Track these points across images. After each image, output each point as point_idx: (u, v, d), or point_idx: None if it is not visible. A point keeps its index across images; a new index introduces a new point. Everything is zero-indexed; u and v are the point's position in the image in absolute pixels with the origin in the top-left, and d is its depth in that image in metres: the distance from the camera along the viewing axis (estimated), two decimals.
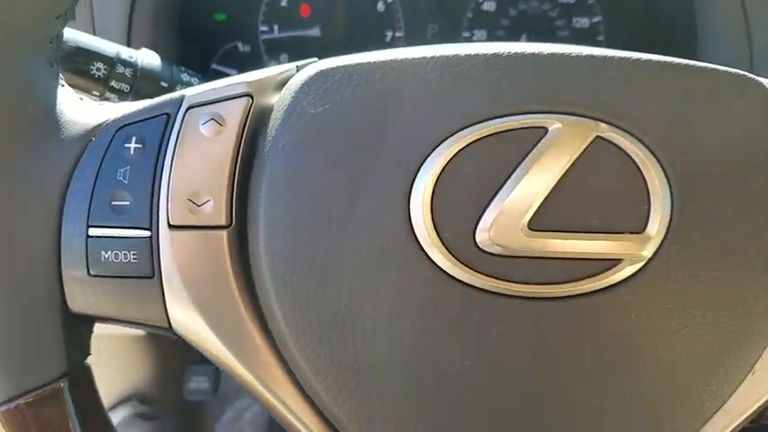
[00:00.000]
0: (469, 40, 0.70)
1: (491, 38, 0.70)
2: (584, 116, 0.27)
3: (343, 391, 0.28)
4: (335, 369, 0.28)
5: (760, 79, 0.29)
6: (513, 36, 0.70)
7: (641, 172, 0.27)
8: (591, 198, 0.27)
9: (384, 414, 0.28)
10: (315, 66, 0.29)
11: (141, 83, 0.49)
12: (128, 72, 0.48)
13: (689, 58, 0.29)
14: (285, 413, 0.29)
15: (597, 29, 0.70)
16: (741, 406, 0.29)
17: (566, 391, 0.28)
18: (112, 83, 0.47)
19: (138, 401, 0.75)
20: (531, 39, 0.70)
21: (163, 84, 0.50)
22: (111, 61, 0.47)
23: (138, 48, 0.51)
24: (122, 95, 0.48)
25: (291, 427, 0.30)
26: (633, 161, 0.27)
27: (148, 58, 0.50)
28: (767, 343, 0.28)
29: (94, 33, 0.52)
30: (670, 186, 0.27)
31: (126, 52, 0.49)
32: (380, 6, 0.69)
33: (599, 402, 0.28)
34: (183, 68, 0.53)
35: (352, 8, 0.69)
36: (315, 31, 0.69)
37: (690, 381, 0.28)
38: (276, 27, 0.69)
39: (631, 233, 0.27)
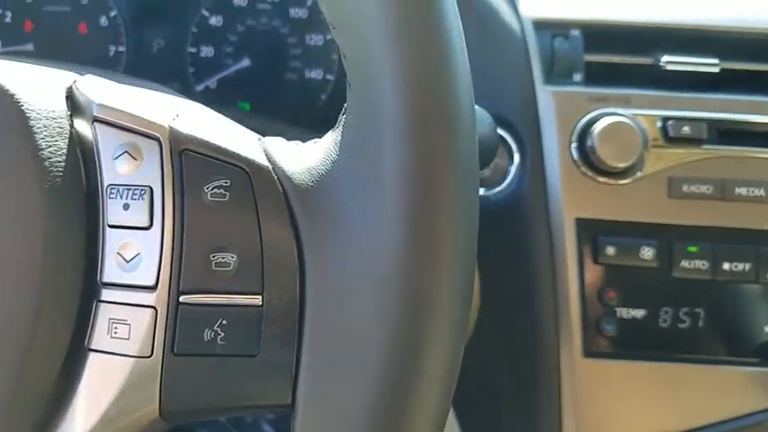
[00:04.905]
0: (196, 56, 0.66)
1: (219, 54, 0.66)
2: None
3: None
4: None
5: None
6: (241, 52, 0.66)
7: None
8: None
9: None
10: None
11: None
12: None
13: None
14: None
15: (330, 46, 0.66)
16: None
17: None
18: None
19: None
20: (259, 56, 0.66)
21: None
22: None
23: None
24: None
25: None
26: None
27: None
28: None
29: None
30: None
31: None
32: (103, 21, 0.66)
33: None
34: None
35: (73, 23, 0.66)
36: (29, 47, 0.66)
37: None
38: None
39: None
